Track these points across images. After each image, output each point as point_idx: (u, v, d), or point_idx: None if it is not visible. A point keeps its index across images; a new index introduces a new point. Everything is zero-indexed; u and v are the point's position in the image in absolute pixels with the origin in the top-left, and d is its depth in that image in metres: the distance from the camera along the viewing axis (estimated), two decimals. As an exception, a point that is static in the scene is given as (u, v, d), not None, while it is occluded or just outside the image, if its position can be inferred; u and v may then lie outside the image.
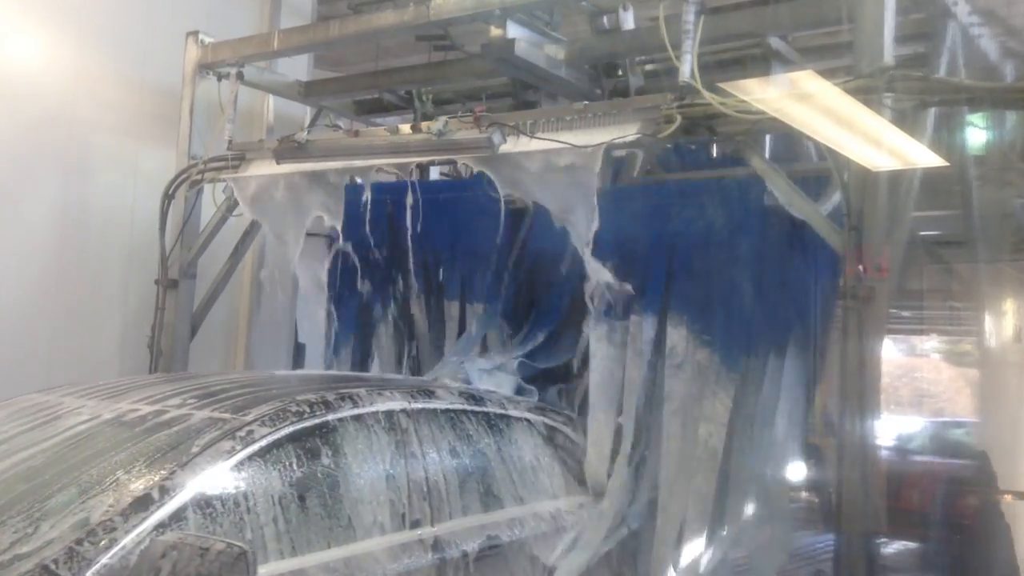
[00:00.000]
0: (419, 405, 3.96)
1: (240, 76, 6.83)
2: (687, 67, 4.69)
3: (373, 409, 3.74)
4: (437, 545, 3.64)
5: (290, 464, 3.35)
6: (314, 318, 6.59)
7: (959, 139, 5.59)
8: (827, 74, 4.27)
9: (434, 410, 4.03)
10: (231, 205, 6.56)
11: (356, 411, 3.67)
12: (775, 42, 5.59)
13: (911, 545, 8.62)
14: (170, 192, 6.66)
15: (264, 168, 6.17)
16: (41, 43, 6.64)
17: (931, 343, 21.04)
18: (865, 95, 4.19)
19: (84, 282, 6.86)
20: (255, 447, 3.24)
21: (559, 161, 4.92)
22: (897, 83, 4.25)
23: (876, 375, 4.37)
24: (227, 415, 3.37)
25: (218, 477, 3.10)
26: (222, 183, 6.52)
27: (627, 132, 4.78)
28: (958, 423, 12.89)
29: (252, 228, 6.83)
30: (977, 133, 5.84)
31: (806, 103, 4.13)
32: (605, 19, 6.04)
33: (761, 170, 4.70)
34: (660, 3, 4.89)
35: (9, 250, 6.39)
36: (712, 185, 5.43)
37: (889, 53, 4.38)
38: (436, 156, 5.31)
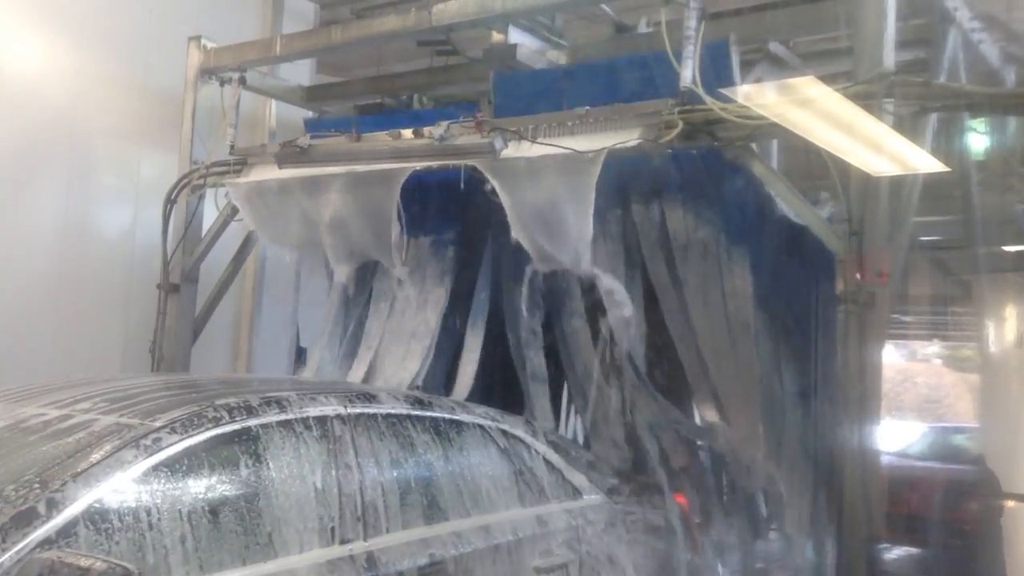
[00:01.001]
0: (356, 410, 3.66)
1: (242, 81, 6.85)
2: (688, 72, 4.70)
3: (303, 414, 3.46)
4: (371, 562, 3.37)
5: (203, 475, 3.07)
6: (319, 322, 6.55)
7: (960, 144, 5.60)
8: (828, 79, 4.28)
9: (374, 415, 3.73)
10: (233, 209, 6.57)
11: (283, 416, 3.39)
12: (776, 47, 5.60)
13: (911, 551, 8.61)
14: (172, 197, 6.67)
15: (266, 173, 6.18)
16: (43, 48, 6.66)
17: (933, 348, 21.04)
18: (866, 100, 4.20)
19: (86, 286, 6.87)
20: (161, 456, 2.97)
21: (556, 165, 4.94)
22: (898, 88, 4.26)
23: (877, 380, 4.38)
24: (135, 421, 3.10)
25: (117, 489, 2.83)
26: (224, 188, 6.53)
27: (628, 137, 4.79)
28: (958, 428, 12.89)
29: (253, 232, 6.84)
30: (978, 138, 5.85)
31: (807, 108, 4.14)
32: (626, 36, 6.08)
33: (762, 175, 4.71)
34: (662, 9, 4.90)
35: (11, 255, 6.40)
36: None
37: (890, 58, 4.39)
38: (438, 161, 5.31)
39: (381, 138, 5.54)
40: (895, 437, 11.55)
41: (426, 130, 5.26)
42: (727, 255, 5.11)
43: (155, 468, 2.94)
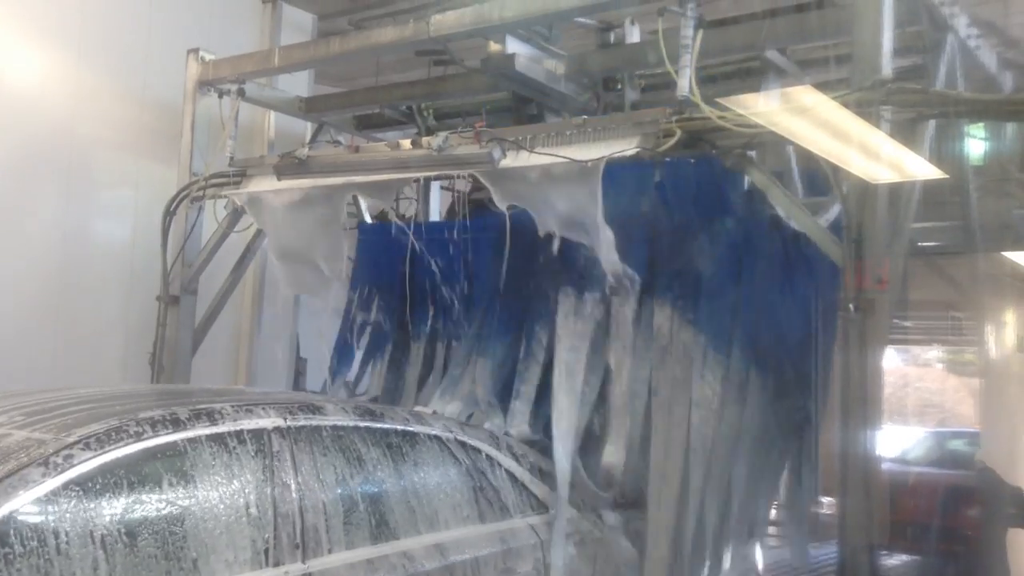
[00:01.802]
0: (297, 423, 3.43)
1: (241, 93, 6.86)
2: (686, 81, 4.71)
3: (236, 427, 3.23)
4: None
5: (120, 495, 2.83)
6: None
7: (958, 150, 5.61)
8: (825, 87, 4.29)
9: (316, 428, 3.50)
10: (232, 221, 6.57)
11: (213, 430, 3.16)
12: (773, 55, 5.61)
13: (914, 558, 8.59)
14: (171, 208, 6.67)
15: (265, 184, 6.19)
16: (42, 62, 6.68)
17: (933, 353, 21.04)
18: (863, 108, 4.20)
19: (86, 298, 6.88)
20: (73, 474, 2.74)
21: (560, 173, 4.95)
22: (895, 95, 4.26)
23: (878, 387, 4.37)
24: (48, 436, 2.87)
25: (21, 511, 2.61)
26: (223, 199, 6.54)
27: (627, 146, 4.80)
28: (958, 433, 12.87)
29: (253, 244, 6.85)
30: (976, 144, 5.86)
31: (805, 116, 4.15)
32: (612, 34, 6.07)
33: (761, 183, 4.71)
34: (659, 17, 4.91)
35: (11, 266, 6.41)
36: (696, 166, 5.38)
37: (887, 66, 4.40)
38: (437, 171, 5.32)
39: (380, 148, 5.55)
40: (896, 442, 11.55)
41: (425, 140, 5.27)
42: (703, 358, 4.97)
43: (65, 487, 2.73)
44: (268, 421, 3.35)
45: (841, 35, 4.98)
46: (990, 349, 7.76)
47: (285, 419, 3.41)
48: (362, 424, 3.71)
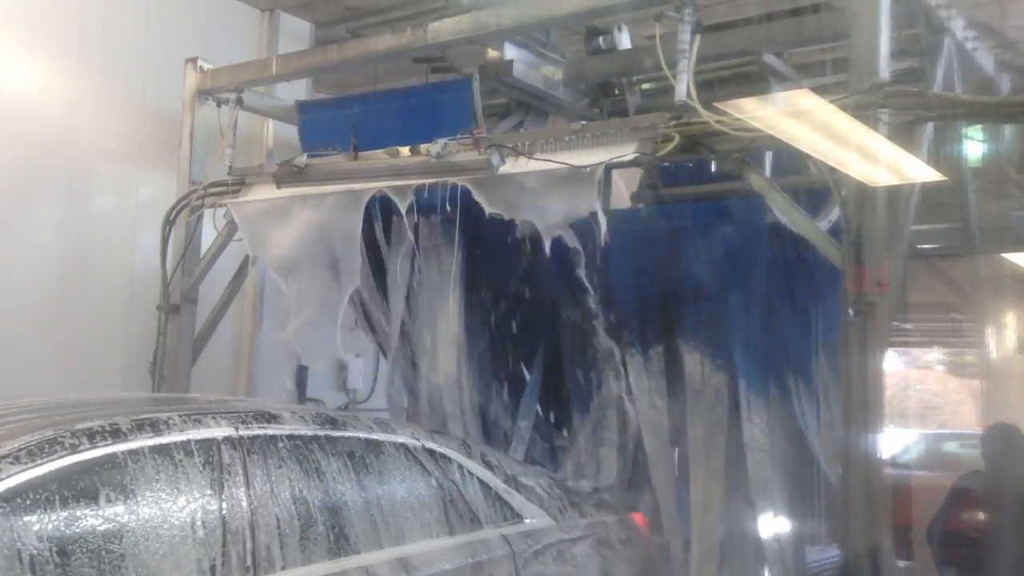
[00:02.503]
0: (251, 432, 3.25)
1: (239, 101, 6.87)
2: (683, 86, 4.71)
3: (183, 438, 3.05)
4: None
5: (52, 511, 2.65)
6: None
7: (956, 153, 5.61)
8: (823, 90, 4.30)
9: (272, 437, 3.32)
10: (232, 230, 6.58)
11: (157, 440, 2.97)
12: (771, 59, 5.62)
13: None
14: (171, 217, 6.68)
15: (264, 193, 6.19)
16: (41, 71, 6.68)
17: (934, 354, 21.02)
18: (861, 111, 4.21)
19: (86, 308, 6.87)
20: None
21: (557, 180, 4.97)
22: (893, 98, 4.27)
23: (879, 389, 4.37)
24: None
25: None
26: (222, 208, 6.54)
27: (625, 151, 4.81)
28: (956, 435, 12.83)
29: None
30: (974, 146, 5.86)
31: (803, 120, 4.15)
32: (601, 40, 6.08)
33: (760, 187, 4.71)
34: (656, 23, 4.92)
35: (11, 277, 6.41)
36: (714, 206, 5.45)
37: (885, 68, 4.40)
38: (435, 178, 5.32)
39: (378, 156, 5.55)
40: (895, 445, 11.51)
41: (423, 147, 5.28)
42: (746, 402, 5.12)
43: None
44: (218, 431, 3.17)
45: (839, 39, 4.98)
46: (991, 351, 7.75)
47: (237, 428, 3.22)
48: (322, 433, 3.52)
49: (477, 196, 5.18)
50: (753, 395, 5.04)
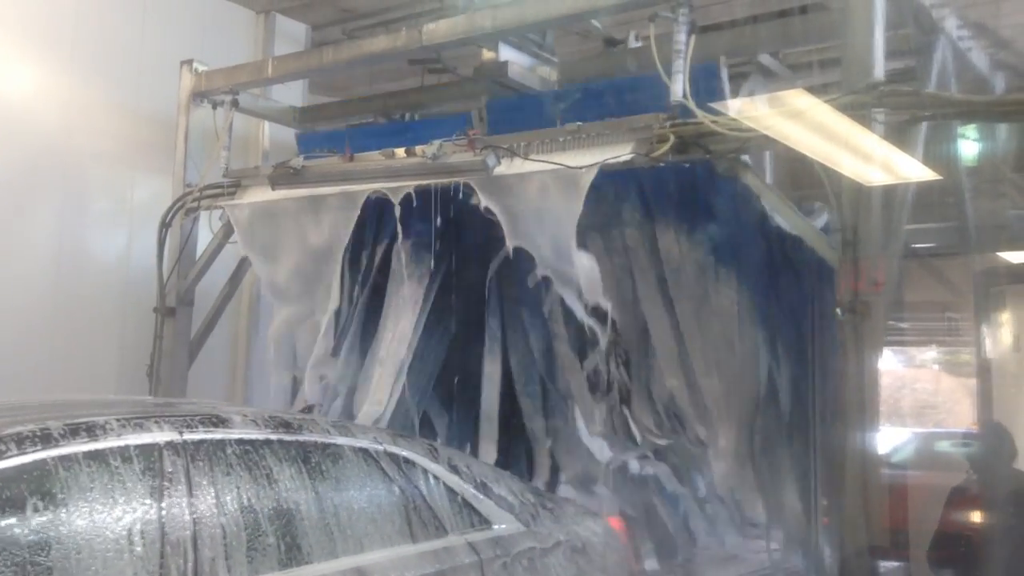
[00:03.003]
0: (196, 436, 3.06)
1: (235, 103, 6.86)
2: (679, 86, 4.72)
3: (121, 443, 2.87)
4: None
5: None
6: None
7: (951, 152, 5.62)
8: (818, 90, 4.30)
9: (220, 442, 3.13)
10: (227, 232, 6.57)
11: (92, 446, 2.80)
12: (766, 59, 5.63)
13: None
14: (167, 220, 6.67)
15: (260, 195, 6.19)
16: (35, 73, 6.67)
17: (930, 354, 21.05)
18: (856, 110, 4.22)
19: (82, 311, 6.86)
20: None
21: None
22: (887, 98, 4.27)
23: (875, 388, 4.38)
24: None
25: None
26: (218, 210, 6.53)
27: (621, 152, 4.81)
28: (951, 434, 12.81)
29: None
30: (969, 145, 5.87)
31: (798, 120, 4.16)
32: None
33: (755, 187, 4.72)
34: (651, 23, 4.93)
35: (7, 280, 6.40)
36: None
37: (879, 68, 4.41)
38: (431, 180, 5.32)
39: (374, 158, 5.55)
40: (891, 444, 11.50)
41: (419, 149, 5.27)
42: (715, 275, 5.16)
43: None
44: (160, 436, 2.98)
45: (833, 39, 4.99)
46: (986, 350, 7.75)
47: (181, 433, 3.03)
48: (274, 437, 3.33)
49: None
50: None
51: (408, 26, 5.84)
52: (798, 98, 4.11)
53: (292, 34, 8.44)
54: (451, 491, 3.88)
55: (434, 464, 3.88)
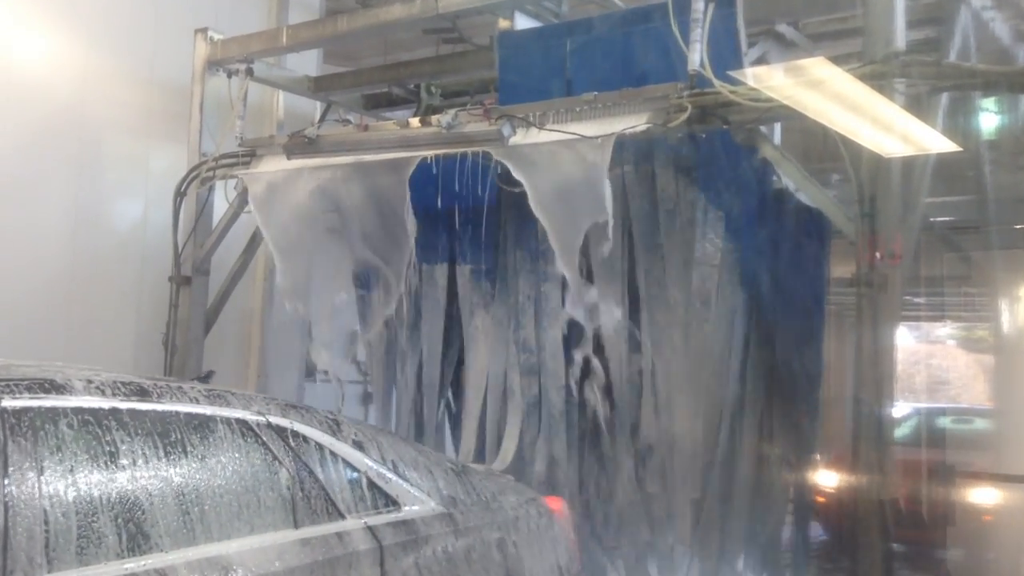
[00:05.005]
0: (19, 403, 2.62)
1: (249, 72, 6.84)
2: (697, 55, 4.67)
3: None
4: None
5: None
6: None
7: (972, 124, 5.56)
8: (838, 60, 4.25)
9: (52, 411, 2.68)
10: (243, 201, 6.57)
11: None
12: (785, 28, 5.56)
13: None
14: (182, 189, 6.67)
15: (275, 164, 6.18)
16: (50, 43, 6.67)
17: (946, 329, 20.96)
18: (877, 81, 4.18)
19: (98, 280, 6.90)
20: None
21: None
22: (909, 68, 4.23)
23: (891, 362, 4.36)
24: None
25: None
26: (233, 179, 6.53)
27: (637, 122, 4.77)
28: (967, 410, 12.76)
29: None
30: (990, 117, 5.81)
31: (817, 90, 4.11)
32: None
33: (773, 157, 4.68)
34: (669, -9, 4.87)
35: (23, 250, 6.42)
36: None
37: (900, 38, 4.36)
38: (446, 149, 5.30)
39: (389, 127, 5.54)
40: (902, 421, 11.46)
41: (434, 118, 5.25)
42: (704, 216, 5.08)
43: None
44: None
45: (854, 8, 4.93)
46: (1004, 325, 7.72)
47: (1, 399, 2.59)
48: (123, 406, 2.87)
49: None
50: None
51: (423, -6, 5.79)
52: (818, 67, 4.06)
53: (306, 2, 8.40)
54: (352, 469, 3.50)
55: (332, 439, 3.49)
